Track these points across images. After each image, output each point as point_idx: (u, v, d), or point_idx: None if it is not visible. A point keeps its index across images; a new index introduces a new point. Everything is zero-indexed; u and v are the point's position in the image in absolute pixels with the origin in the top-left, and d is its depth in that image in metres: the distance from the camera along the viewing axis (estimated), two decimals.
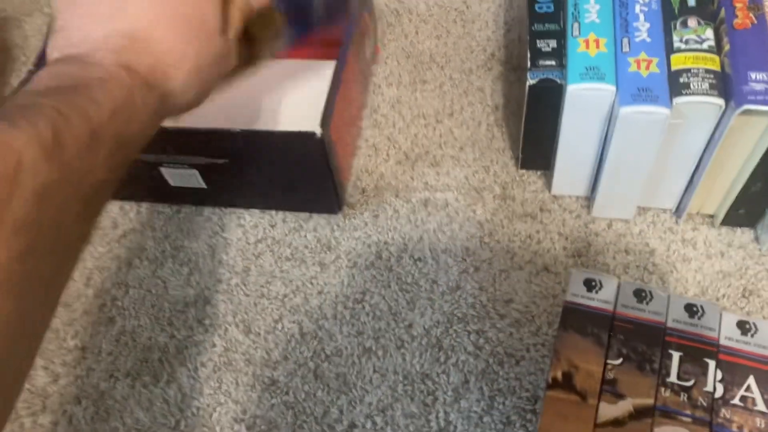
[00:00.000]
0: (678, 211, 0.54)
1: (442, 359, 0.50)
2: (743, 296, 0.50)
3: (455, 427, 0.47)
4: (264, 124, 0.51)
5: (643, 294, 0.40)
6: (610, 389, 0.37)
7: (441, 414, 0.48)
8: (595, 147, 0.50)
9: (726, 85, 0.44)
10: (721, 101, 0.44)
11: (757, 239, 0.52)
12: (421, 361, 0.50)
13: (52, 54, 0.32)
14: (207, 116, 0.52)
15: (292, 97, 0.54)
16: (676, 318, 0.39)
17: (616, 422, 0.36)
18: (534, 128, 0.53)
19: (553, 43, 0.50)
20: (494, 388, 0.49)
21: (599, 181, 0.52)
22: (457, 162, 0.59)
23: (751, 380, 0.37)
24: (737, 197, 0.49)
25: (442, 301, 0.52)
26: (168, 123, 0.37)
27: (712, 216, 0.54)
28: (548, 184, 0.57)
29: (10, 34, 0.74)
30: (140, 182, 0.56)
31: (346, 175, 0.58)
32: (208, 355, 0.52)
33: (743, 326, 0.39)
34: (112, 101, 0.29)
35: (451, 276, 0.54)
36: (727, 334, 0.39)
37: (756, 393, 0.37)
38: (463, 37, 0.67)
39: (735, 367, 0.37)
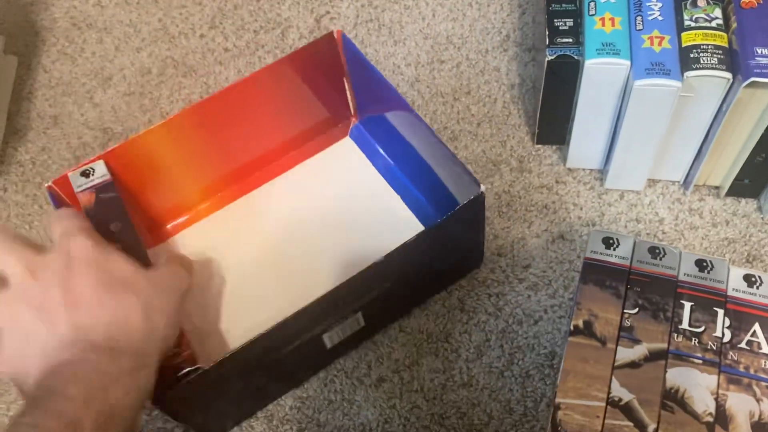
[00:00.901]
0: (686, 182, 0.57)
1: (464, 320, 0.53)
2: (747, 261, 0.54)
3: (478, 381, 0.50)
4: (375, 236, 0.47)
5: (657, 251, 0.43)
6: (627, 335, 0.41)
7: (464, 369, 0.51)
8: (609, 121, 0.54)
9: (733, 60, 0.47)
10: (728, 75, 0.47)
11: (760, 209, 0.56)
12: (444, 321, 0.53)
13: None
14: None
15: (357, 197, 0.55)
16: (687, 272, 0.42)
17: (633, 364, 0.40)
18: (550, 103, 0.56)
19: (569, 22, 0.53)
20: (514, 345, 0.52)
21: (612, 154, 0.55)
22: (474, 137, 0.62)
23: (756, 327, 0.40)
24: (742, 168, 0.53)
25: None
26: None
27: (717, 187, 0.57)
28: (563, 158, 0.60)
29: (38, 18, 0.76)
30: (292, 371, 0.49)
31: None
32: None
33: (749, 279, 0.42)
34: None
35: None
36: (735, 286, 0.42)
37: (761, 338, 0.40)
38: (479, 19, 0.70)
39: (742, 315, 0.41)
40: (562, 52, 0.52)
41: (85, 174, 0.48)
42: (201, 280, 0.53)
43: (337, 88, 0.57)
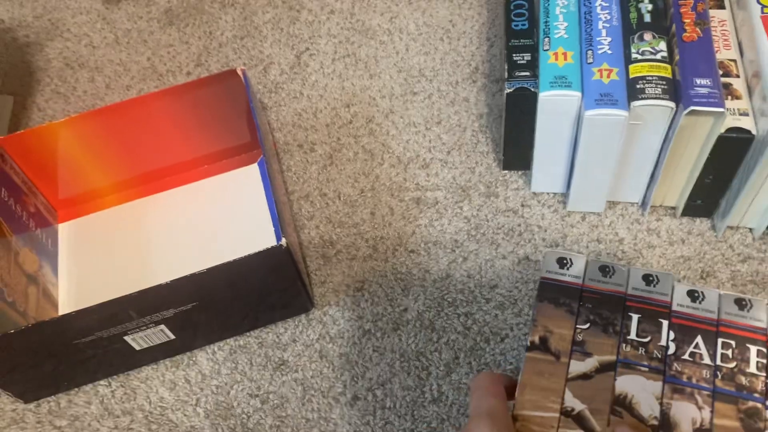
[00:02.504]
0: (643, 204, 0.60)
1: (434, 339, 0.56)
2: (701, 277, 0.56)
3: (447, 397, 0.53)
4: (224, 254, 0.50)
5: (607, 269, 0.46)
6: (579, 349, 0.43)
7: (434, 386, 0.53)
8: (567, 147, 0.57)
9: (676, 90, 0.51)
10: (672, 104, 0.50)
11: (713, 227, 0.59)
12: (415, 341, 0.56)
13: None
14: (162, 268, 0.60)
15: (236, 216, 0.62)
16: (635, 286, 0.45)
17: (585, 376, 0.42)
18: (513, 132, 0.60)
19: (527, 56, 0.57)
20: (482, 362, 0.54)
21: (572, 179, 0.58)
22: (445, 164, 0.66)
23: (699, 339, 0.43)
24: (693, 189, 0.56)
25: (433, 288, 0.58)
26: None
27: (674, 208, 0.60)
28: (528, 183, 0.63)
29: (33, 58, 0.80)
30: (100, 361, 0.54)
31: (303, 272, 0.57)
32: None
33: (692, 294, 0.45)
34: None
35: (442, 265, 0.60)
36: (679, 301, 0.45)
37: (703, 349, 0.42)
38: (450, 52, 0.74)
39: (685, 329, 0.43)
40: (520, 85, 0.55)
41: None
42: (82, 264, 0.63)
43: (248, 118, 0.65)
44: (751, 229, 0.58)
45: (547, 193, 0.62)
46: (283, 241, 0.49)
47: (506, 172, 0.64)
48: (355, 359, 0.55)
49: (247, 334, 0.58)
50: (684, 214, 0.59)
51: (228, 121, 0.65)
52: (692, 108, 0.49)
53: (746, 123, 0.50)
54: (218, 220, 0.64)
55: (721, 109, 0.48)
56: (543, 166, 0.60)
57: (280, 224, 0.51)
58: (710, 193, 0.56)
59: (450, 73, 0.72)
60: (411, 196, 0.64)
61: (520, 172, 0.64)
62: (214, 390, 0.55)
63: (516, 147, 0.61)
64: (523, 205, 0.62)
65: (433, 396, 0.53)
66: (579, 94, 0.52)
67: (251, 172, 0.67)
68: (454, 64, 0.73)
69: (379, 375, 0.54)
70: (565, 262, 0.47)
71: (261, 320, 0.57)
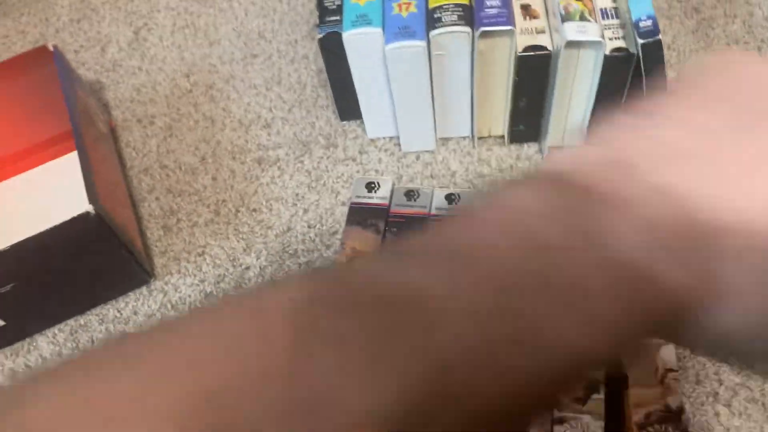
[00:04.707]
0: (473, 136, 0.61)
1: None
2: None
3: None
4: (33, 229, 0.46)
5: (412, 193, 0.47)
6: None
7: None
8: (386, 89, 0.57)
9: (472, 16, 0.52)
10: (467, 29, 0.51)
11: (541, 151, 0.60)
12: None
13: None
14: None
15: (50, 198, 0.49)
16: (438, 206, 0.46)
17: None
18: (337, 80, 0.60)
19: (338, 1, 0.57)
20: None
21: (397, 119, 0.58)
22: (286, 122, 0.66)
23: None
24: (511, 115, 0.57)
25: (275, 243, 0.58)
26: None
27: (502, 136, 0.61)
28: (366, 131, 0.63)
29: None
30: None
31: (138, 245, 0.56)
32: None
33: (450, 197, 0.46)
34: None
35: (283, 219, 0.59)
36: None
37: None
38: (288, 12, 0.73)
39: None
40: (330, 30, 0.55)
41: None
42: None
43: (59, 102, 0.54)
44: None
45: (383, 138, 0.63)
46: (90, 207, 0.48)
47: (345, 122, 0.65)
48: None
49: (88, 312, 0.56)
50: (512, 141, 0.60)
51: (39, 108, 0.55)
52: (483, 29, 0.50)
53: (543, 40, 0.52)
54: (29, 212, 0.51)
55: (509, 27, 0.50)
56: (371, 111, 0.60)
57: (90, 191, 0.49)
58: (529, 117, 0.58)
59: (289, 33, 0.72)
60: (253, 157, 0.64)
61: (358, 121, 0.64)
62: None
63: (345, 95, 0.61)
64: (361, 153, 0.63)
65: None
66: (379, 29, 0.52)
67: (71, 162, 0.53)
68: (293, 23, 0.73)
69: None
70: (372, 185, 0.47)
71: (100, 297, 0.56)
